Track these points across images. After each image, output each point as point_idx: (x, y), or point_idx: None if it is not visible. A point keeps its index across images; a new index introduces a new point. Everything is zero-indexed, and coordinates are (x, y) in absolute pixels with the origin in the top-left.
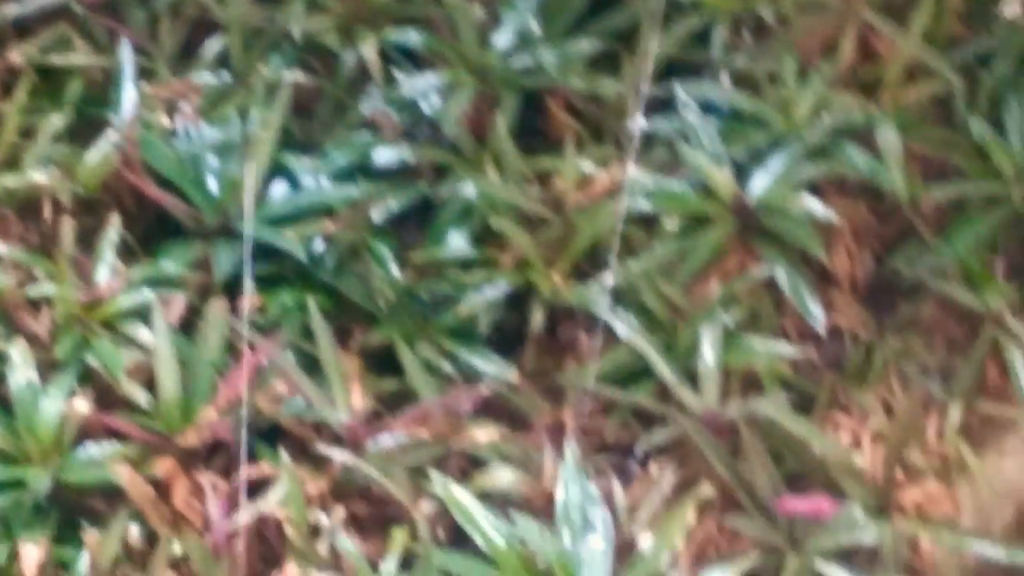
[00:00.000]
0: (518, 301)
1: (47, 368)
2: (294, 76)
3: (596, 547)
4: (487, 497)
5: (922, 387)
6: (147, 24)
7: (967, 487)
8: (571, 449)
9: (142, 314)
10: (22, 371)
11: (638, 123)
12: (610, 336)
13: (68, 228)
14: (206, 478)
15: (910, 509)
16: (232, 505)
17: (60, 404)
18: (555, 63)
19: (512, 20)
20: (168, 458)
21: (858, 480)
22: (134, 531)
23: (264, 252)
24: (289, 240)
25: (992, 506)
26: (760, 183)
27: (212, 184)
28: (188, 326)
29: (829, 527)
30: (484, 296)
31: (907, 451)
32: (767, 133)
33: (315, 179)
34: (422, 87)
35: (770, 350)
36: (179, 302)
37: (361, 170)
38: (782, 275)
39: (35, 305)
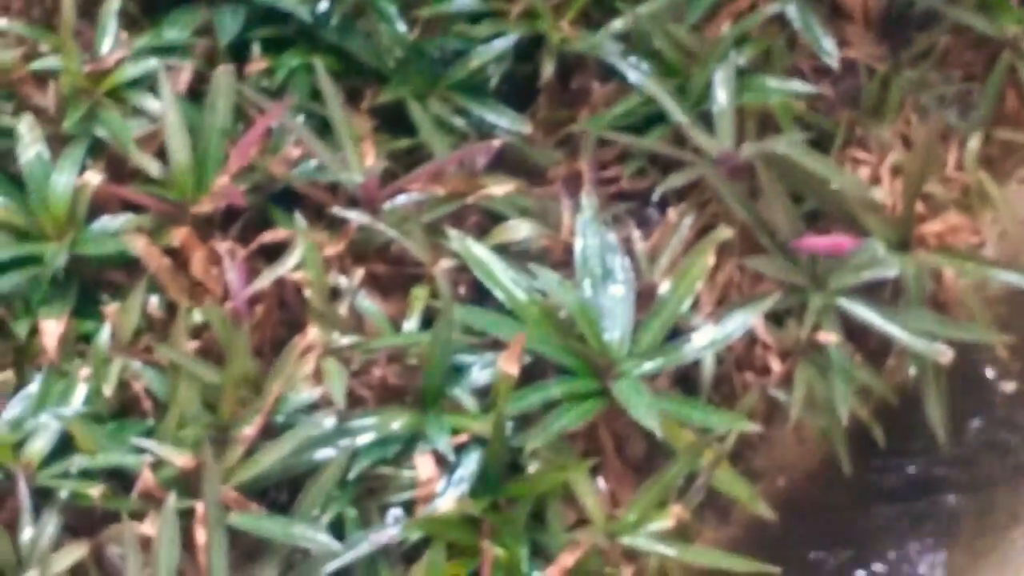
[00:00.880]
0: (528, 52)
1: (56, 142)
2: None
3: (617, 295)
4: (506, 251)
5: (940, 118)
6: None
7: (989, 217)
8: (588, 199)
9: (149, 83)
10: (32, 146)
11: None
12: (622, 83)
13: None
14: (223, 245)
15: (932, 242)
16: (250, 271)
17: (72, 177)
18: None
19: None
20: (184, 227)
21: (878, 215)
22: (153, 301)
23: (268, 15)
24: (292, 1)
25: (1015, 235)
26: None
27: None
28: (196, 93)
29: (851, 264)
30: (493, 49)
31: (927, 183)
32: None
33: None
34: None
35: (784, 88)
36: (186, 69)
37: None
38: (793, 11)
39: (41, 79)
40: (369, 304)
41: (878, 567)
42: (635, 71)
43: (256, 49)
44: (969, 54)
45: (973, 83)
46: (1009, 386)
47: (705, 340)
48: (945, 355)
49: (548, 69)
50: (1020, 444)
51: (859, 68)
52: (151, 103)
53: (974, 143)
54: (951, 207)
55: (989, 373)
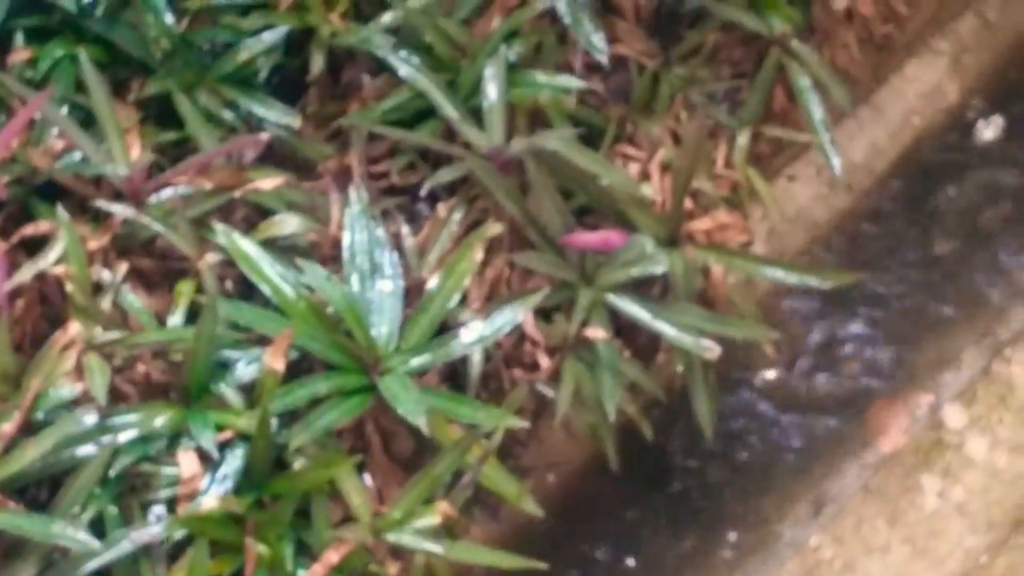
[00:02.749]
0: (298, 45)
1: None
2: None
3: (385, 290)
4: (273, 245)
5: (709, 114)
6: None
7: (758, 214)
8: (357, 193)
9: None
10: None
11: None
12: (393, 77)
13: None
14: None
15: (701, 238)
16: (11, 265)
17: None
18: None
19: None
20: None
21: (647, 211)
22: None
23: (32, 4)
24: None
25: (783, 232)
26: None
27: None
28: None
29: (620, 260)
30: (262, 41)
31: (696, 180)
32: None
33: None
34: None
35: (554, 83)
36: None
37: None
38: (563, 7)
39: None
40: (133, 299)
41: (645, 562)
42: (405, 65)
43: (19, 39)
44: (739, 51)
45: (742, 80)
46: (772, 379)
47: (473, 336)
48: (712, 351)
49: (318, 63)
50: (780, 436)
51: (630, 64)
52: None
53: (743, 140)
54: (720, 204)
55: (754, 366)
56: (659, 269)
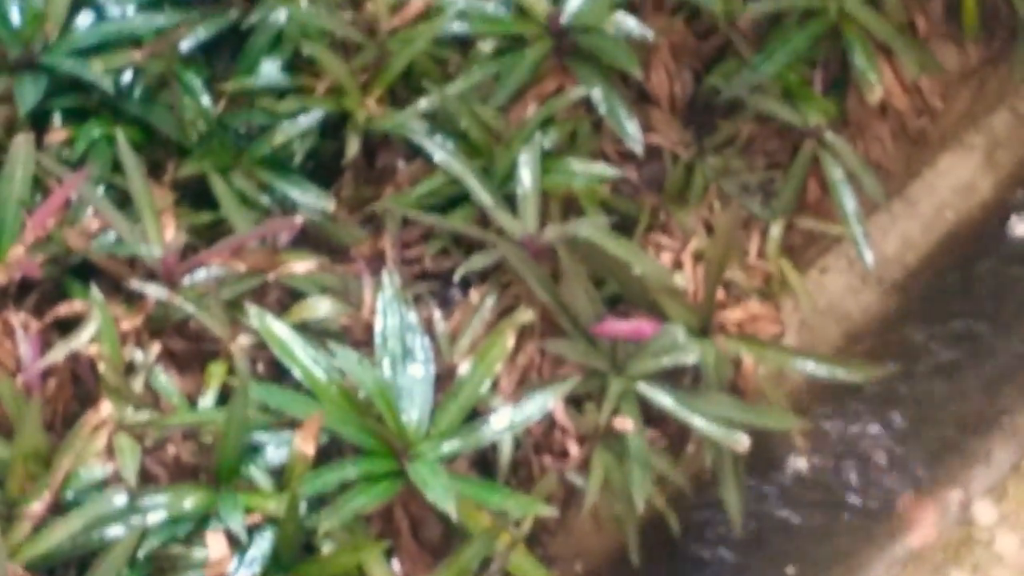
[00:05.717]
0: (334, 129)
1: None
2: None
3: (416, 375)
4: (305, 329)
5: (743, 205)
6: None
7: (790, 305)
8: (390, 277)
9: None
10: None
11: None
12: (428, 162)
13: None
14: (16, 317)
15: (732, 329)
16: (45, 344)
17: None
18: None
19: None
20: None
21: (679, 301)
22: None
23: (71, 84)
24: (95, 71)
25: (815, 324)
26: (575, 2)
27: (15, 16)
28: None
29: (651, 349)
30: (298, 125)
31: (728, 270)
32: None
33: (121, 8)
34: None
35: (589, 171)
36: None
37: None
38: (599, 95)
39: None
40: (165, 380)
41: None
42: (441, 151)
43: (57, 119)
44: (773, 143)
45: (776, 171)
46: (802, 470)
47: (504, 422)
48: (742, 443)
49: (353, 147)
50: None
51: (664, 154)
52: None
53: (776, 232)
54: (752, 295)
55: (785, 457)
56: (690, 359)
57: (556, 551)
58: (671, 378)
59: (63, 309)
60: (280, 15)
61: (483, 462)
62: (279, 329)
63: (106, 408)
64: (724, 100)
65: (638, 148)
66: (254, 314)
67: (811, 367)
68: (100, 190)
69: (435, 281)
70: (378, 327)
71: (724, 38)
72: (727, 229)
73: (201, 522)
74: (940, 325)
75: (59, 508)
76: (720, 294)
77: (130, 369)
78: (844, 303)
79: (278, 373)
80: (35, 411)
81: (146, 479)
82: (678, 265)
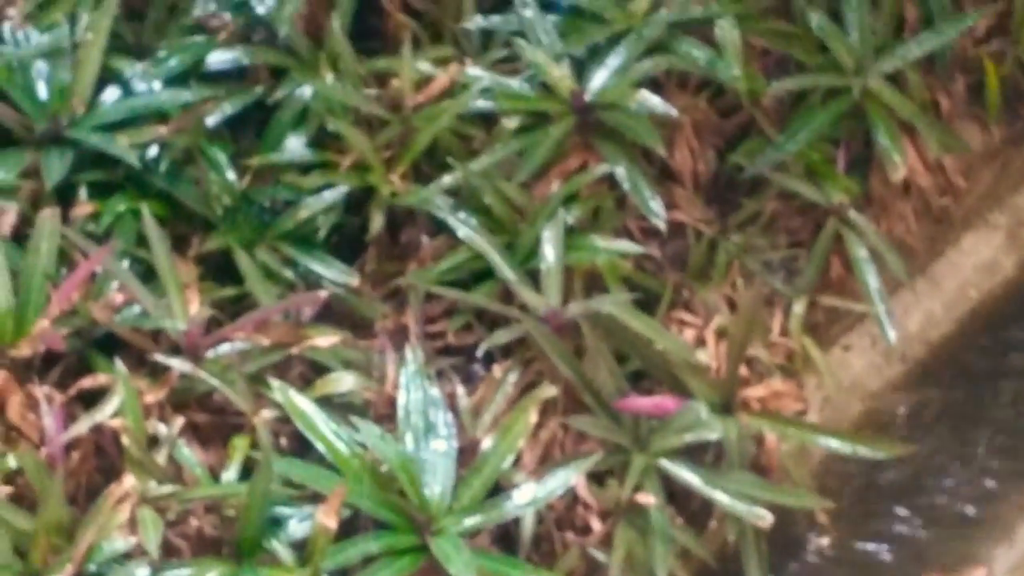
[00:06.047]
0: (358, 204)
1: None
2: None
3: (439, 450)
4: (328, 403)
5: (766, 282)
6: None
7: (813, 383)
8: (413, 352)
9: None
10: None
11: (475, 21)
12: (451, 238)
13: None
14: (40, 390)
15: (755, 405)
16: (67, 417)
17: None
18: None
19: None
20: (1, 370)
21: (702, 377)
22: None
23: (97, 159)
24: (122, 146)
25: (838, 401)
26: (599, 79)
27: (42, 90)
28: (20, 236)
29: (674, 425)
30: (323, 200)
31: (751, 347)
32: (605, 29)
33: (147, 84)
34: None
35: (612, 248)
36: (10, 211)
37: (195, 74)
38: (622, 172)
39: None
40: (188, 453)
41: None
42: (464, 227)
43: (83, 192)
44: (796, 220)
45: (799, 249)
46: (825, 547)
47: (526, 498)
48: (764, 520)
49: (377, 222)
50: None
51: (687, 230)
52: None
53: (799, 309)
54: (775, 372)
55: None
56: (713, 436)
57: None
58: (694, 454)
59: (87, 382)
60: (305, 91)
61: (505, 537)
62: (302, 403)
63: (129, 481)
64: (747, 177)
65: (662, 225)
66: (277, 388)
67: (834, 444)
68: (125, 264)
69: (458, 356)
70: (401, 402)
71: (747, 116)
72: (750, 306)
73: None
74: (963, 402)
75: None
76: (743, 371)
77: (153, 442)
78: (867, 380)
79: (301, 447)
80: (58, 484)
81: (169, 552)
82: (701, 342)
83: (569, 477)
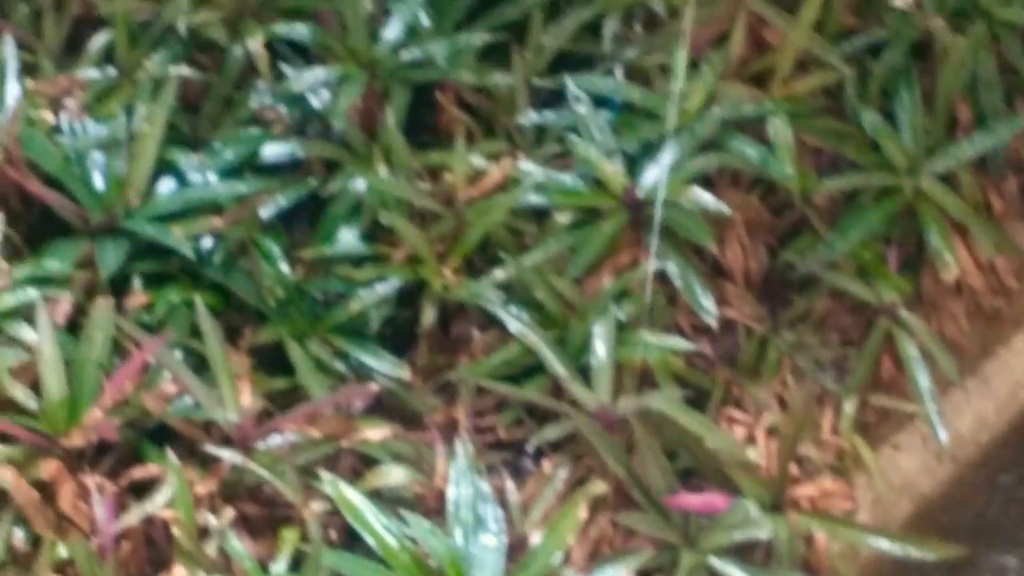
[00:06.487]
0: (410, 297)
1: None
2: (180, 71)
3: (488, 545)
4: (378, 496)
5: (816, 381)
6: (31, 19)
7: (863, 482)
8: (463, 446)
9: (26, 314)
10: None
11: (529, 116)
12: (502, 332)
13: None
14: (92, 480)
15: (805, 504)
16: (118, 507)
17: None
18: (445, 56)
19: (401, 13)
20: (53, 460)
21: (752, 475)
22: (18, 534)
23: (151, 250)
24: (176, 237)
25: (888, 501)
26: (651, 176)
27: (98, 181)
28: (74, 325)
29: (723, 523)
30: (375, 293)
31: (802, 446)
32: (658, 125)
33: (203, 175)
34: (311, 81)
35: (663, 344)
36: (65, 301)
37: (250, 166)
38: (674, 268)
39: None
40: (238, 545)
41: None
42: (516, 321)
43: (137, 283)
44: (847, 319)
45: (850, 348)
46: None
47: None
48: None
49: (429, 316)
50: None
51: (738, 328)
52: (28, 333)
53: (849, 408)
54: (825, 471)
55: None
56: (763, 534)
57: None
58: (743, 553)
59: (138, 472)
60: (359, 184)
61: None
62: (352, 496)
63: (179, 572)
64: (799, 275)
65: (713, 322)
66: (328, 481)
67: (884, 545)
68: (178, 355)
69: (508, 451)
70: (451, 496)
71: (799, 214)
72: (801, 405)
73: None
74: (1014, 504)
75: None
76: (793, 469)
77: (204, 533)
78: (918, 481)
79: (351, 540)
80: (109, 574)
81: None
82: (751, 439)
83: (618, 574)
